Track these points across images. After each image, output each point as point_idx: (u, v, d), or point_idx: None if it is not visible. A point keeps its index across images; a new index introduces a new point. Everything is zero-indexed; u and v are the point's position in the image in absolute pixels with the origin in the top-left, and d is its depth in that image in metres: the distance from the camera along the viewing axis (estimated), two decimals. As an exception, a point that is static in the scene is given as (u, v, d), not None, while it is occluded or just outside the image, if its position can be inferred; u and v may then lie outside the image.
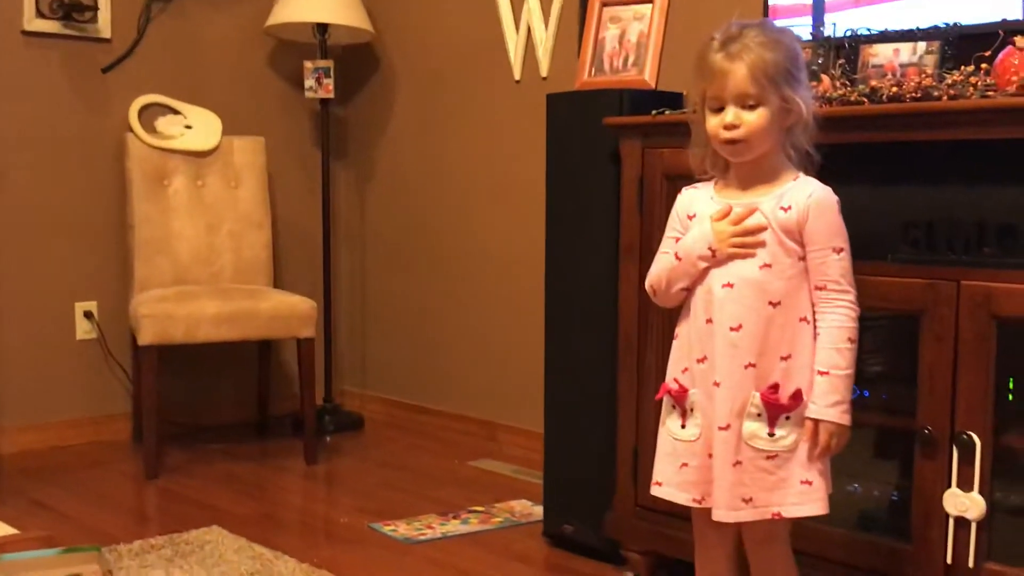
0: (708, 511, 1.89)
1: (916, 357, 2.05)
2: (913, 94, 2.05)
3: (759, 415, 1.83)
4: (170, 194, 3.89)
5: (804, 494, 1.84)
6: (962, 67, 2.06)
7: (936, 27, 2.25)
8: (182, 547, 2.76)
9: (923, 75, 2.10)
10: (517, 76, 3.75)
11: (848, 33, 2.38)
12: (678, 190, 2.00)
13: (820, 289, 1.83)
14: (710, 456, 1.87)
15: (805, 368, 1.83)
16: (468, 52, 3.94)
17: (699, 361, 1.89)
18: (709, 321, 1.87)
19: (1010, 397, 1.99)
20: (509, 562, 2.75)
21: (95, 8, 3.82)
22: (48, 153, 3.80)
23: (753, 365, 1.82)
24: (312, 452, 3.67)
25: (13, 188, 3.74)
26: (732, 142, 1.83)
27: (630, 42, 2.81)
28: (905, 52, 2.29)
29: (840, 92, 2.16)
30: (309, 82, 4.08)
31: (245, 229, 3.99)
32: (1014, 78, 1.96)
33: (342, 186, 4.46)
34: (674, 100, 2.66)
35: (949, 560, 2.01)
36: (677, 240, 1.94)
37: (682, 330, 1.94)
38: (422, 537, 2.91)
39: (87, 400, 3.90)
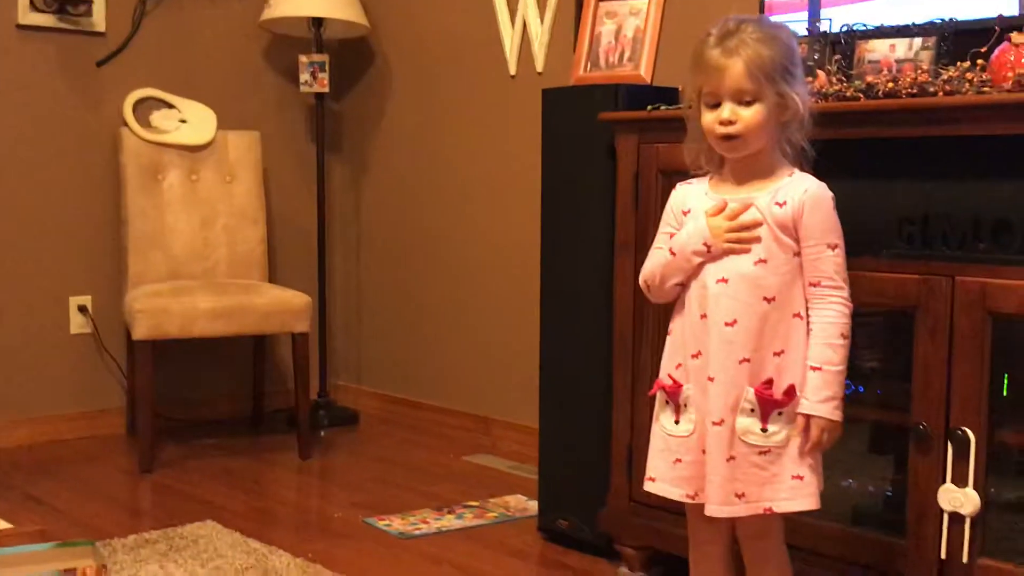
0: (702, 507, 1.89)
1: (911, 353, 2.06)
2: (909, 90, 2.05)
3: (752, 410, 1.83)
4: (165, 188, 3.88)
5: (795, 489, 1.84)
6: (958, 63, 2.06)
7: (932, 23, 2.26)
8: (176, 541, 2.75)
9: (919, 71, 2.10)
10: (513, 71, 3.74)
11: (844, 29, 2.38)
12: (673, 186, 2.00)
13: (814, 285, 1.84)
14: (704, 452, 1.87)
15: (798, 364, 1.83)
16: (463, 47, 3.93)
17: (693, 356, 1.89)
18: (703, 316, 1.87)
19: (1004, 393, 1.99)
20: (504, 557, 2.75)
21: (90, 2, 3.81)
22: (42, 147, 3.79)
23: (747, 360, 1.83)
24: (307, 447, 3.67)
25: (7, 182, 3.73)
26: (728, 138, 1.83)
27: (626, 37, 2.81)
28: (901, 48, 2.29)
29: (836, 88, 2.16)
30: (304, 76, 4.08)
31: (240, 224, 3.98)
32: (1010, 74, 1.96)
33: (337, 180, 4.45)
34: (670, 96, 2.66)
35: (943, 555, 2.02)
36: (671, 236, 1.94)
37: (676, 326, 1.95)
38: (417, 532, 2.91)
39: (81, 394, 3.89)
